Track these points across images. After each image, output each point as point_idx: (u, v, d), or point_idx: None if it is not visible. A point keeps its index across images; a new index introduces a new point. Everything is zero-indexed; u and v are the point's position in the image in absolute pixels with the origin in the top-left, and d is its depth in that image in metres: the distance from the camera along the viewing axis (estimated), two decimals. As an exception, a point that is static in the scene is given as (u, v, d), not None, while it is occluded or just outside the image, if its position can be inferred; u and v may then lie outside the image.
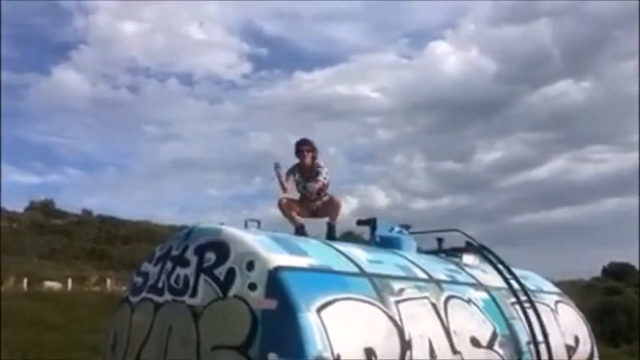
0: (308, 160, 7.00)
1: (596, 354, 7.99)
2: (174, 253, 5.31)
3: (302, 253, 5.17)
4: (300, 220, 6.83)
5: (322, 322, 4.42)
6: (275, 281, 4.54)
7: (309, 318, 4.38)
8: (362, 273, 5.34)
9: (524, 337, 6.48)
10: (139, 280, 5.62)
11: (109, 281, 31.84)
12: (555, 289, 8.39)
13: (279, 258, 4.79)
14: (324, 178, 7.01)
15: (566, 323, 7.54)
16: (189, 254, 5.13)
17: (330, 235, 6.74)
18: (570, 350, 7.30)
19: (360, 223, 7.45)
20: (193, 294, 4.89)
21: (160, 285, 5.25)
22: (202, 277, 4.89)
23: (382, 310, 5.02)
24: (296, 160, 7.10)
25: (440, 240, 7.78)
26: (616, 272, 57.74)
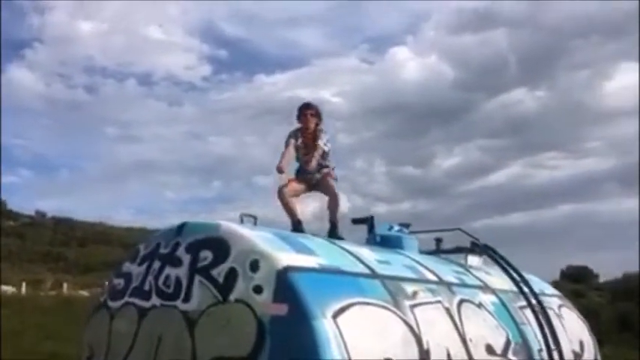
0: (312, 125, 6.41)
1: (599, 358, 7.65)
2: (163, 251, 4.66)
3: (309, 251, 4.60)
4: (298, 208, 6.23)
5: (339, 329, 3.87)
6: (284, 283, 3.96)
7: (325, 325, 3.82)
8: (373, 274, 4.80)
9: (535, 343, 6.06)
10: (119, 282, 4.93)
11: (65, 285, 30.49)
12: (556, 292, 8.03)
13: (286, 257, 4.21)
14: (325, 145, 6.41)
15: (571, 328, 7.16)
16: (181, 252, 4.49)
17: (333, 233, 6.15)
18: (577, 356, 6.92)
19: (355, 221, 6.92)
20: (187, 298, 4.26)
21: (147, 287, 4.59)
22: (197, 278, 4.26)
23: (398, 315, 4.50)
24: (297, 125, 6.55)
25: (438, 240, 7.31)
26: (575, 276, 58.66)
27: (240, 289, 4.02)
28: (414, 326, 4.54)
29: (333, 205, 6.29)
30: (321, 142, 6.36)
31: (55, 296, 25.35)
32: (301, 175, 6.50)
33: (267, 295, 3.94)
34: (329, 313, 3.91)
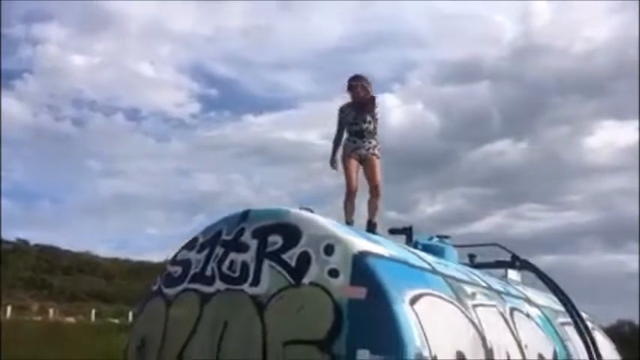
0: (363, 94, 6.11)
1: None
2: (226, 237, 4.55)
3: (376, 241, 4.55)
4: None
5: (417, 316, 3.79)
6: (362, 267, 3.89)
7: (405, 310, 3.74)
8: (435, 271, 4.74)
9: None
10: (176, 269, 4.79)
11: (51, 311, 29.72)
12: (586, 315, 7.97)
13: (360, 242, 4.16)
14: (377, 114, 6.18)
15: (604, 350, 7.10)
16: (247, 238, 4.39)
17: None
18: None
19: (393, 231, 6.84)
20: (255, 282, 4.14)
21: (209, 273, 4.46)
22: (266, 262, 4.16)
23: (464, 312, 4.44)
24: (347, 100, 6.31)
25: (472, 256, 7.27)
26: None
27: (314, 273, 3.93)
28: (478, 325, 4.47)
29: (375, 200, 6.04)
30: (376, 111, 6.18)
31: (41, 322, 24.69)
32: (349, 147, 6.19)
33: (343, 278, 3.85)
34: (407, 299, 3.84)
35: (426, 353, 3.64)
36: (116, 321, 25.94)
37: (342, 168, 6.11)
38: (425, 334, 3.73)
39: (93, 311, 29.48)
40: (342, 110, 6.28)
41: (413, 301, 3.88)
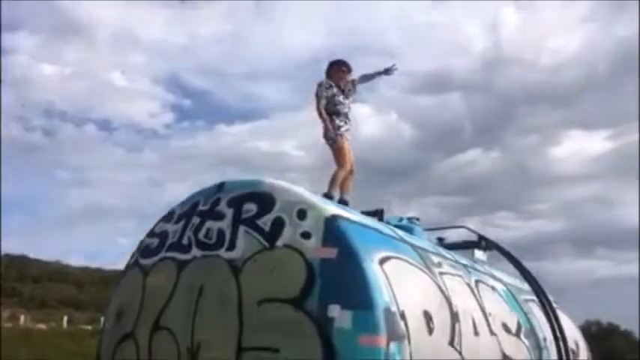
0: (348, 77, 6.40)
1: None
2: (202, 208, 4.70)
3: (348, 210, 4.75)
4: None
5: (386, 274, 3.99)
6: (333, 229, 4.08)
7: (374, 269, 3.94)
8: (403, 240, 4.96)
9: (540, 333, 6.26)
10: (152, 241, 4.92)
11: (22, 317, 29.27)
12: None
13: (332, 208, 4.35)
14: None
15: (567, 328, 7.38)
16: (222, 207, 4.55)
17: None
18: (574, 354, 7.12)
19: (364, 213, 7.04)
20: (231, 247, 4.30)
21: (185, 242, 4.60)
22: (242, 228, 4.32)
23: (431, 277, 4.65)
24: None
25: (441, 239, 7.50)
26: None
27: (287, 236, 4.10)
28: (444, 290, 4.69)
29: (351, 178, 6.27)
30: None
31: (11, 328, 24.30)
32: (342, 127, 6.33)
33: (315, 240, 4.03)
34: (376, 259, 4.04)
35: (394, 308, 3.83)
36: (89, 327, 25.64)
37: (339, 143, 6.22)
38: (393, 292, 3.92)
39: (65, 317, 29.10)
40: (324, 85, 6.35)
41: (382, 261, 4.08)
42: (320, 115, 6.20)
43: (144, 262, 4.86)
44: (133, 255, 5.03)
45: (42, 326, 26.58)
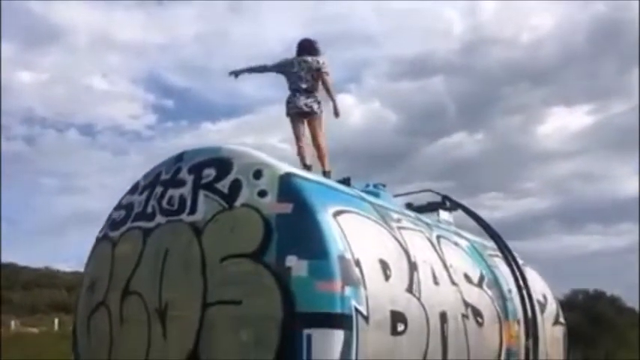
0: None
1: (561, 315, 8.13)
2: (165, 177, 4.88)
3: (307, 172, 4.95)
4: None
5: (340, 226, 4.19)
6: (288, 185, 4.27)
7: (328, 219, 4.14)
8: (363, 199, 5.16)
9: (505, 284, 6.50)
10: (119, 213, 5.08)
11: (13, 322, 29.22)
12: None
13: (287, 167, 4.54)
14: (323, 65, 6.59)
15: (534, 281, 7.65)
16: (183, 175, 4.72)
17: None
18: (541, 306, 7.38)
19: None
20: (192, 211, 4.48)
21: (150, 210, 4.78)
22: (202, 192, 4.50)
23: (388, 230, 4.86)
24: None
25: (409, 204, 7.72)
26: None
27: (245, 195, 4.28)
28: (402, 242, 4.90)
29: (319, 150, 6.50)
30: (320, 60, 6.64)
31: (2, 333, 24.31)
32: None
33: (271, 197, 4.22)
34: (330, 212, 4.24)
35: (348, 256, 4.04)
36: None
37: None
38: (348, 242, 4.12)
39: (56, 320, 29.06)
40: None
41: (336, 214, 4.28)
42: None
43: (112, 234, 5.03)
44: (102, 229, 5.19)
45: (33, 330, 26.61)
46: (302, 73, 6.50)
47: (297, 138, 6.45)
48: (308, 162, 6.27)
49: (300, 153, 6.37)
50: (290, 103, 6.53)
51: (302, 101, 6.45)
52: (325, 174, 6.09)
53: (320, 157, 6.40)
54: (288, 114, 6.57)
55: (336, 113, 6.56)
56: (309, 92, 6.54)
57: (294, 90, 6.52)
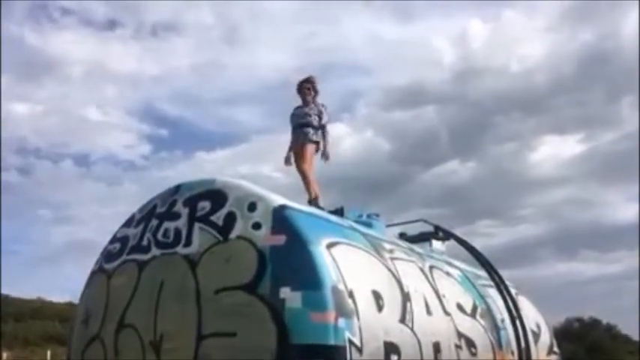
0: (309, 98, 6.90)
1: (555, 344, 8.15)
2: (160, 210, 4.95)
3: (299, 204, 5.02)
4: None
5: (333, 257, 4.25)
6: (281, 218, 4.34)
7: (321, 251, 4.21)
8: (356, 230, 5.24)
9: (498, 314, 6.54)
10: (115, 246, 5.13)
11: (5, 355, 28.87)
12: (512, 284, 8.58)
13: (281, 199, 4.62)
14: (320, 113, 6.81)
15: (528, 309, 7.69)
16: (179, 207, 4.79)
17: None
18: (535, 336, 7.41)
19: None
20: (187, 244, 4.54)
21: (145, 243, 4.83)
22: (197, 225, 4.57)
23: (381, 261, 4.93)
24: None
25: (402, 234, 7.79)
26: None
27: (240, 228, 4.35)
28: (395, 272, 4.96)
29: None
30: (315, 109, 6.87)
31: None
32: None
33: (265, 229, 4.29)
34: (323, 244, 4.30)
35: (341, 287, 4.09)
36: (73, 360, 25.32)
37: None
38: (341, 273, 4.18)
39: (48, 352, 28.71)
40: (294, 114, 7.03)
41: (329, 246, 4.35)
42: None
43: (107, 266, 5.07)
44: (98, 261, 5.23)
45: (26, 363, 26.28)
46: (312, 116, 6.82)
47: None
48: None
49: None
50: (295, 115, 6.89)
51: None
52: (311, 202, 6.16)
53: (305, 183, 6.49)
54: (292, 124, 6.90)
55: (326, 156, 6.77)
56: (316, 128, 6.81)
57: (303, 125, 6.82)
